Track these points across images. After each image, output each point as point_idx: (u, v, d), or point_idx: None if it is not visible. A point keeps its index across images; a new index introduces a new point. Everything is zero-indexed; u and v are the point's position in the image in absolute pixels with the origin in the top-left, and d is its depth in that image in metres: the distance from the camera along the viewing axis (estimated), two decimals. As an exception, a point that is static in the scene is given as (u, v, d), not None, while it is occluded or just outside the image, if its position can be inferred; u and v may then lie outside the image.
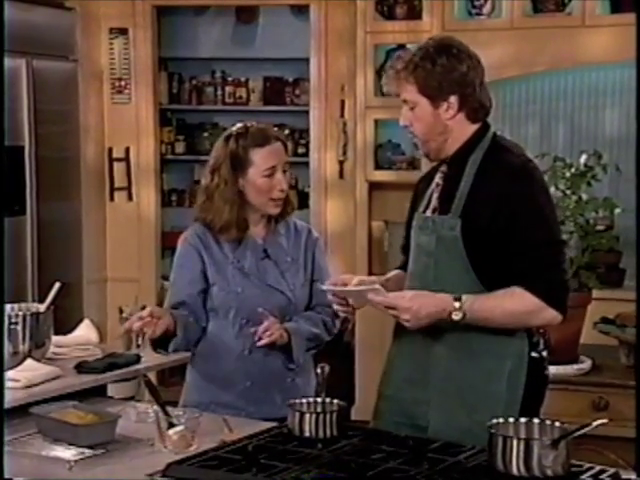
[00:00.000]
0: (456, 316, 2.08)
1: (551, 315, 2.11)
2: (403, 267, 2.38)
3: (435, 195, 2.25)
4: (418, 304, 2.10)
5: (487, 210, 2.11)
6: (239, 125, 2.53)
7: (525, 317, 2.12)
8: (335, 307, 2.32)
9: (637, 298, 3.06)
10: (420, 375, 2.21)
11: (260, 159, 2.46)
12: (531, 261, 2.09)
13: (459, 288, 2.12)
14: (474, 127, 2.19)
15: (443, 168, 2.26)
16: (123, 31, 5.11)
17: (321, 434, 2.04)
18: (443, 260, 2.17)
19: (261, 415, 2.31)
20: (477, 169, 2.16)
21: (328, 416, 2.06)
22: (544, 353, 2.20)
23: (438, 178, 2.26)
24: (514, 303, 2.09)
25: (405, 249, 2.37)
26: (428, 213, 2.25)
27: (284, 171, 2.50)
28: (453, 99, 2.15)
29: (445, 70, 2.14)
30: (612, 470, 1.89)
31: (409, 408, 2.22)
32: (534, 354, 2.17)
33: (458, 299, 2.08)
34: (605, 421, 1.87)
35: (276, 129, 2.60)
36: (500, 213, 2.10)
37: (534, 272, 2.09)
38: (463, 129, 2.19)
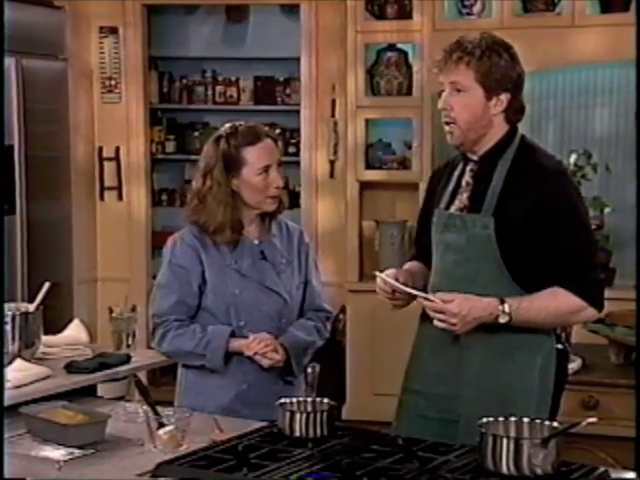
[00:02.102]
0: (503, 319, 2.12)
1: (591, 313, 2.19)
2: (417, 259, 2.42)
3: (465, 194, 2.26)
4: (467, 309, 2.12)
5: (522, 210, 2.15)
6: (227, 125, 2.51)
7: (569, 317, 2.20)
8: (382, 296, 2.35)
9: (637, 298, 3.10)
10: (452, 371, 2.24)
11: (253, 157, 2.45)
12: (572, 263, 2.15)
13: (492, 285, 2.16)
14: (507, 128, 2.24)
15: (472, 167, 2.27)
16: (113, 30, 5.10)
17: (311, 434, 2.04)
18: (474, 258, 2.20)
19: (256, 418, 2.29)
20: (509, 169, 2.20)
21: (318, 416, 2.06)
22: (566, 345, 2.28)
23: (467, 177, 2.27)
24: (558, 304, 2.15)
25: (418, 243, 2.41)
26: (453, 210, 2.26)
27: (279, 165, 2.49)
28: (504, 97, 2.20)
29: (507, 66, 2.18)
30: (602, 469, 1.90)
31: (439, 402, 2.25)
32: (559, 346, 2.24)
33: (503, 302, 2.12)
34: (595, 420, 1.88)
35: (267, 128, 2.60)
36: (537, 214, 2.14)
37: (575, 274, 2.15)
38: (500, 128, 2.23)
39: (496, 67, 2.17)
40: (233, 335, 2.46)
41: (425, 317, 2.27)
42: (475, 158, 2.26)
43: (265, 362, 2.44)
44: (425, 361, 2.31)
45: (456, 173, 2.30)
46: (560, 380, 2.25)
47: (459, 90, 2.19)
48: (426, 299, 2.17)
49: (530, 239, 2.15)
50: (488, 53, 2.16)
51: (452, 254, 2.24)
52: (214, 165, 2.45)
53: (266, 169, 2.46)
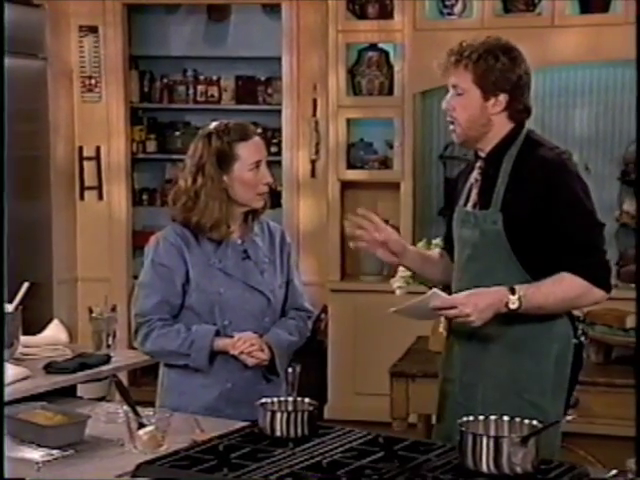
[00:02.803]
0: (513, 305, 2.18)
1: (599, 295, 2.24)
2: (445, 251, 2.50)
3: (475, 190, 2.35)
4: (475, 298, 2.19)
5: (527, 203, 2.22)
6: (216, 123, 2.50)
7: (576, 300, 2.25)
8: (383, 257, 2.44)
9: (637, 297, 3.16)
10: (474, 360, 2.31)
11: (246, 153, 2.46)
12: (575, 248, 2.22)
13: (506, 277, 2.23)
14: (511, 125, 2.31)
15: (480, 164, 2.35)
16: (93, 29, 5.07)
17: (292, 433, 2.04)
18: (488, 252, 2.28)
19: (240, 417, 2.29)
20: (513, 164, 2.28)
21: (299, 415, 2.06)
22: (583, 339, 2.35)
23: (476, 174, 2.36)
24: (565, 289, 2.22)
25: (447, 240, 2.48)
26: (469, 207, 2.35)
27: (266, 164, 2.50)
28: (502, 97, 2.27)
29: (504, 69, 2.25)
30: (581, 467, 1.91)
31: (465, 389, 2.33)
32: (575, 340, 2.31)
33: (512, 290, 2.19)
34: (572, 417, 1.89)
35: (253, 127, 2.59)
36: (540, 205, 2.21)
37: (578, 258, 2.21)
38: (503, 126, 2.30)
39: (492, 70, 2.25)
40: (217, 334, 2.45)
41: None
42: (483, 155, 2.34)
43: (251, 361, 2.44)
44: (455, 351, 2.40)
45: (475, 171, 2.39)
46: (575, 370, 2.32)
47: (459, 92, 2.28)
48: (436, 298, 2.20)
49: (537, 230, 2.22)
50: (485, 56, 2.25)
51: (468, 249, 2.33)
52: (206, 161, 2.45)
53: (257, 164, 2.47)
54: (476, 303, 2.17)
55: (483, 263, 2.29)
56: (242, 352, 2.43)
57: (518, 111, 2.30)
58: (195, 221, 2.46)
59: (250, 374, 2.48)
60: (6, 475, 1.90)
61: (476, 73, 2.25)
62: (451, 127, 2.32)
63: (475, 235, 2.30)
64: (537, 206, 2.21)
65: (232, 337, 2.45)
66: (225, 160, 2.45)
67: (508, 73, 2.26)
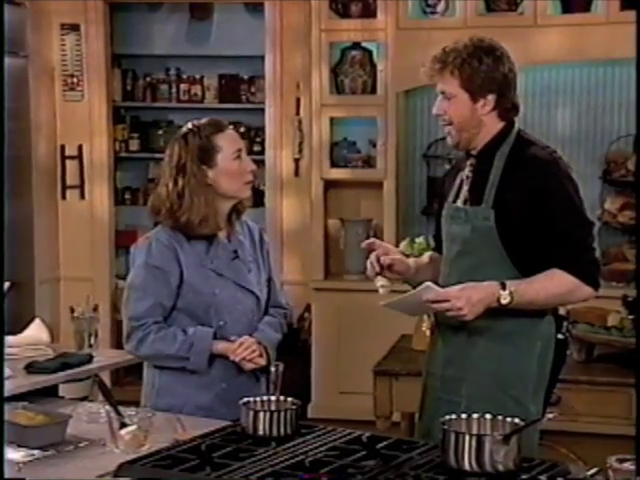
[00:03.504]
0: (505, 300, 2.21)
1: (588, 291, 2.28)
2: (436, 251, 2.51)
3: (465, 187, 2.37)
4: (468, 292, 2.21)
5: (518, 200, 2.24)
6: (189, 124, 2.50)
7: (566, 296, 2.29)
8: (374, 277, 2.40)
9: (637, 297, 3.18)
10: (459, 354, 2.33)
11: (226, 143, 2.46)
12: (565, 245, 2.25)
13: (495, 273, 2.26)
14: (502, 124, 2.34)
15: (471, 161, 2.37)
16: (75, 27, 5.05)
17: (275, 432, 2.04)
18: (478, 248, 2.31)
19: (233, 417, 2.27)
20: (505, 162, 2.31)
21: (282, 414, 2.06)
22: (567, 335, 2.40)
23: (467, 171, 2.38)
24: (555, 285, 2.25)
25: (435, 237, 2.51)
26: (459, 204, 2.37)
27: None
28: (491, 97, 2.30)
29: (489, 70, 2.28)
30: (562, 464, 1.91)
31: (448, 384, 2.35)
32: (560, 336, 2.35)
33: (503, 285, 2.22)
34: (553, 415, 1.89)
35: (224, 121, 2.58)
36: (531, 203, 2.24)
37: (569, 255, 2.25)
38: (494, 125, 2.33)
39: (477, 72, 2.27)
40: (215, 337, 2.45)
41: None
42: (474, 153, 2.36)
43: (249, 366, 2.45)
44: (439, 347, 2.42)
45: (466, 169, 2.40)
46: (557, 367, 2.36)
47: (448, 97, 2.30)
48: (429, 292, 2.21)
49: (528, 228, 2.25)
50: (469, 60, 2.27)
51: (457, 245, 2.35)
52: (186, 161, 2.44)
53: (239, 153, 2.47)
54: (469, 297, 2.19)
55: (473, 259, 2.32)
56: (243, 358, 2.43)
57: (507, 109, 2.33)
58: (184, 220, 2.44)
59: (244, 374, 2.48)
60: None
61: (462, 77, 2.27)
62: (445, 130, 2.34)
63: (465, 231, 2.31)
64: (529, 204, 2.23)
65: (229, 340, 2.45)
66: (207, 154, 2.44)
67: (493, 73, 2.28)
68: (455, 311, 2.20)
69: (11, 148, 4.60)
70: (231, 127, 2.53)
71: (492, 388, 2.27)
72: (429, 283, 2.24)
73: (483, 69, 2.27)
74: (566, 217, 2.26)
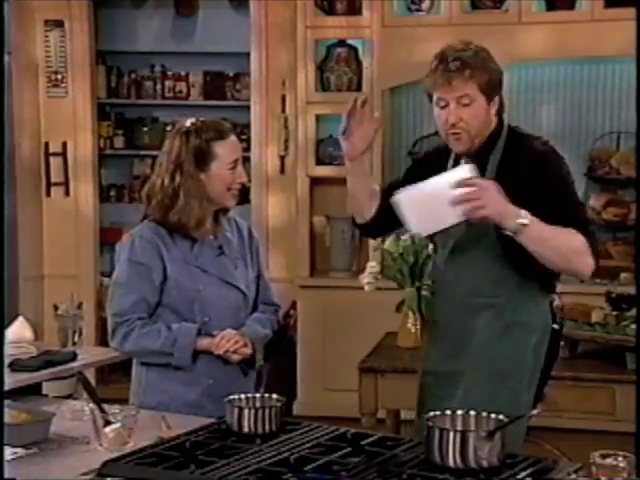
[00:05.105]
0: (523, 219, 2.18)
1: (590, 262, 2.28)
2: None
3: None
4: (495, 188, 2.17)
5: (515, 194, 2.23)
6: (192, 120, 2.47)
7: (572, 256, 2.27)
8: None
9: (637, 297, 3.20)
10: (458, 348, 2.38)
11: (224, 152, 2.44)
12: (574, 215, 2.29)
13: (490, 269, 2.32)
14: (496, 121, 2.39)
15: (466, 160, 2.36)
16: (59, 23, 5.02)
17: (260, 429, 2.04)
18: (473, 244, 2.34)
19: (221, 414, 2.27)
20: (500, 158, 2.35)
21: (267, 411, 2.05)
22: (561, 324, 2.44)
23: None
24: (570, 238, 2.25)
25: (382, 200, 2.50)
26: None
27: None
28: (497, 98, 2.37)
29: (497, 72, 2.36)
30: (546, 460, 1.92)
31: (444, 379, 2.39)
32: (555, 326, 2.40)
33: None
34: (536, 412, 1.90)
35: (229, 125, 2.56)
36: (529, 194, 2.24)
37: (580, 222, 2.28)
38: (493, 123, 2.38)
39: (491, 75, 2.33)
40: (199, 333, 2.44)
41: (435, 302, 2.46)
42: (470, 152, 2.36)
43: (235, 358, 2.44)
44: (436, 344, 2.45)
45: (450, 162, 2.40)
46: (551, 358, 2.41)
47: (465, 103, 2.30)
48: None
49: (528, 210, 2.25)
50: (483, 64, 2.32)
51: (452, 241, 2.38)
52: (184, 160, 2.42)
53: (235, 164, 2.46)
54: (494, 194, 2.15)
55: (467, 255, 2.35)
56: (227, 350, 2.42)
57: (502, 106, 2.39)
58: (175, 220, 2.43)
59: (230, 369, 2.47)
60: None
61: (480, 81, 2.30)
62: (453, 137, 2.32)
63: (461, 227, 2.32)
64: (526, 195, 2.24)
65: (213, 335, 2.44)
66: (203, 159, 2.43)
67: (499, 75, 2.35)
68: (471, 203, 2.13)
69: (-6, 145, 4.58)
70: (233, 135, 2.47)
71: (489, 379, 2.33)
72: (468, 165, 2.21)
73: (495, 70, 2.33)
74: (566, 197, 2.31)
